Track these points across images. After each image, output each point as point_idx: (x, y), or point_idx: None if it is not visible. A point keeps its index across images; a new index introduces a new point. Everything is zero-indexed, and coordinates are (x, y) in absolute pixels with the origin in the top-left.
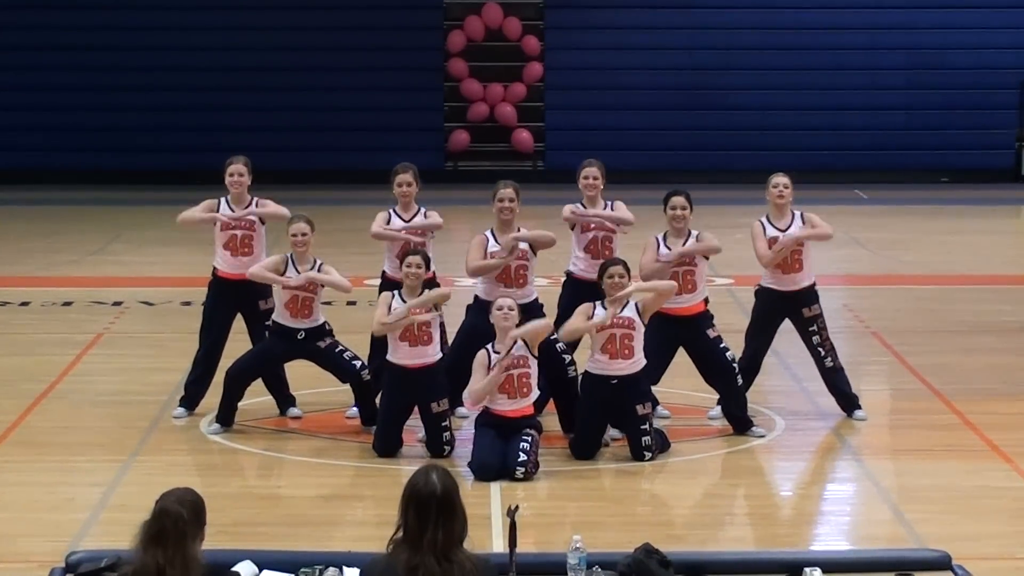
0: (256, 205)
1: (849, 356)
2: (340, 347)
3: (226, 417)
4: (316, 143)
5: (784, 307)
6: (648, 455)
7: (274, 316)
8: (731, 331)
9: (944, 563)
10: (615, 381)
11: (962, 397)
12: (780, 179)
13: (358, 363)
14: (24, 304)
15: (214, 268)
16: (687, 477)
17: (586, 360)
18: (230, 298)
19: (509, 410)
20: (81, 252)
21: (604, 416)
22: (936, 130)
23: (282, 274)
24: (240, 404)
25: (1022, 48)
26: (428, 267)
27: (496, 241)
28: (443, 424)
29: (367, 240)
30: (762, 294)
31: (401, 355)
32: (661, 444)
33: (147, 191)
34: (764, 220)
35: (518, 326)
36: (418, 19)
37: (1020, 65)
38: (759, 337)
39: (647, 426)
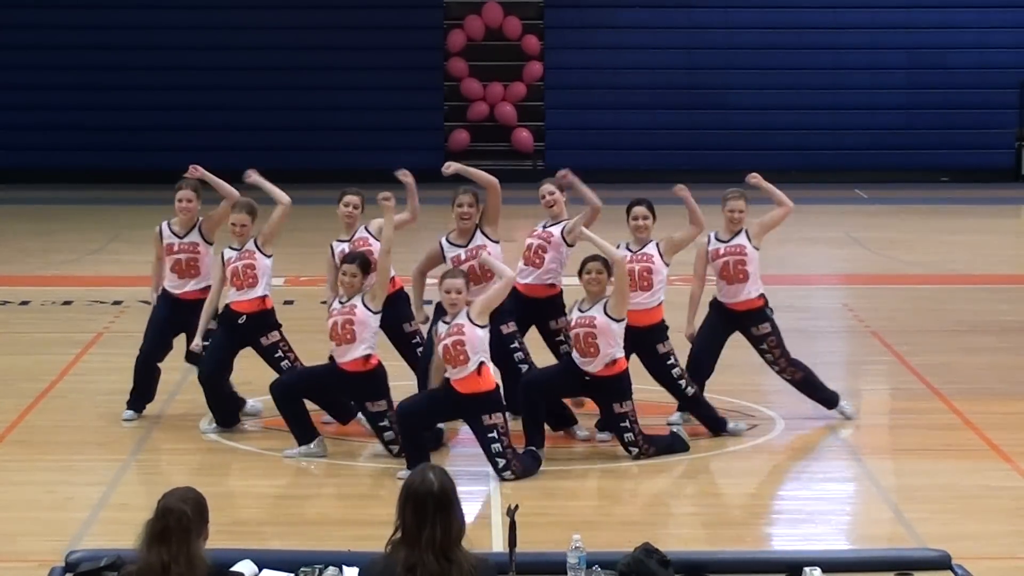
0: (200, 228)
1: (849, 356)
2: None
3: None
4: (316, 143)
5: (732, 322)
6: (634, 451)
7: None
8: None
9: (944, 563)
10: (588, 378)
11: (962, 397)
12: (736, 203)
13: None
14: (24, 304)
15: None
16: (687, 477)
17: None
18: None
19: (454, 379)
20: (81, 251)
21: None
22: (936, 130)
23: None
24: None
25: (1022, 48)
26: (366, 272)
27: (453, 245)
28: (381, 424)
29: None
30: (713, 305)
31: (336, 353)
32: (671, 444)
33: (147, 191)
34: (712, 235)
35: None
36: (418, 19)
37: (1020, 65)
38: (706, 344)
39: (627, 423)
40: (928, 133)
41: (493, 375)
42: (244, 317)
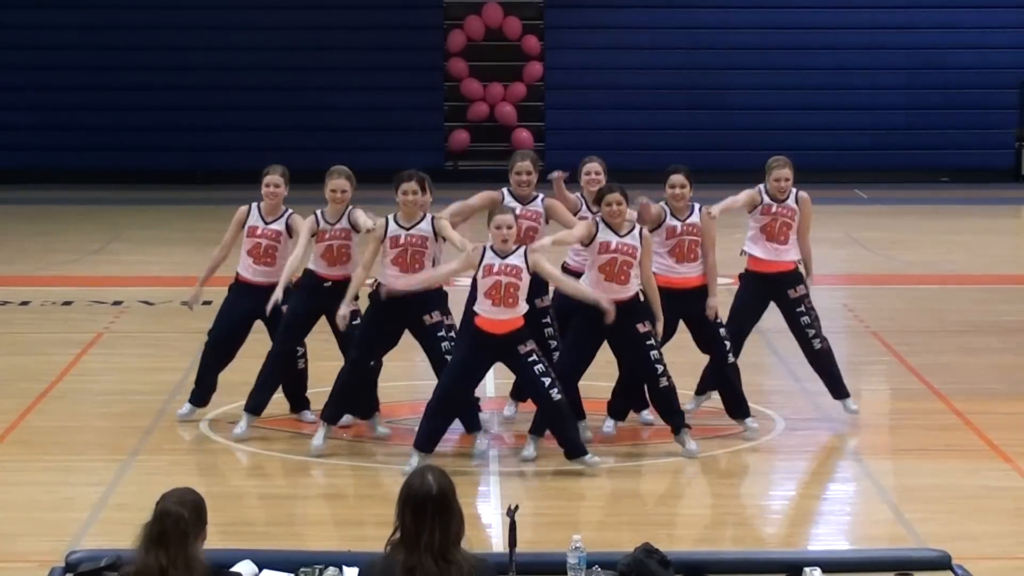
0: (288, 218)
1: (849, 356)
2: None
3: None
4: (316, 143)
5: (768, 289)
6: (660, 368)
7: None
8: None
9: (944, 563)
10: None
11: (962, 397)
12: (782, 171)
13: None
14: (24, 304)
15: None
16: (687, 477)
17: None
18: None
19: (495, 318)
20: (81, 252)
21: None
22: (936, 130)
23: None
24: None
25: (1022, 48)
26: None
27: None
28: (439, 335)
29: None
30: (745, 278)
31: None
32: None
33: (147, 191)
34: (764, 191)
35: None
36: (418, 19)
37: (1020, 65)
38: (744, 318)
39: (652, 341)
40: (928, 133)
41: None
42: (330, 282)
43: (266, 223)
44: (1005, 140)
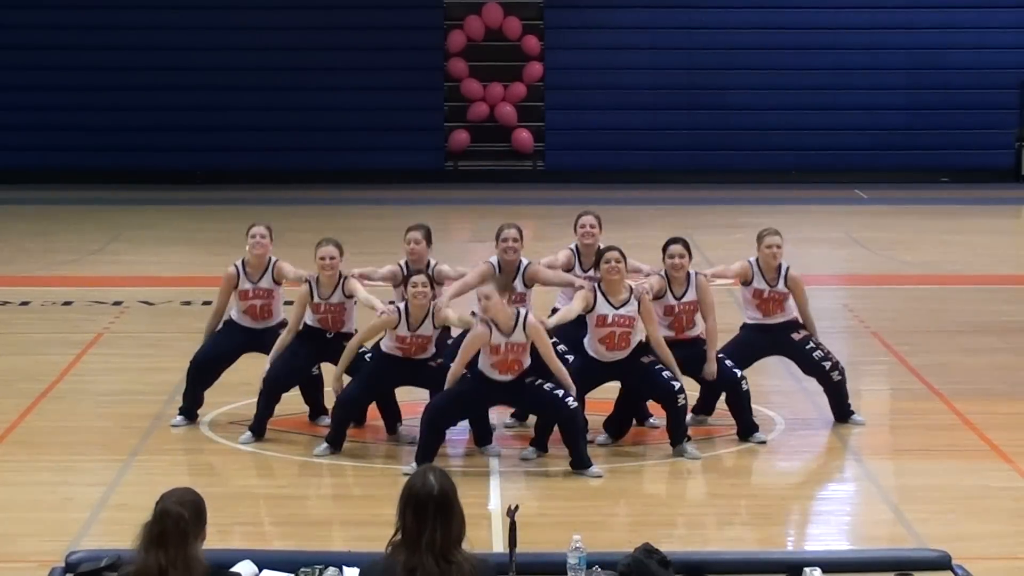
0: (273, 269)
1: (849, 356)
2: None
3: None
4: (316, 143)
5: (769, 338)
6: (676, 384)
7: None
8: (731, 331)
9: (944, 563)
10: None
11: (962, 397)
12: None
13: None
14: (24, 304)
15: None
16: (687, 477)
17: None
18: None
19: (503, 380)
20: (81, 252)
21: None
22: (936, 130)
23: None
24: (237, 405)
25: (1022, 48)
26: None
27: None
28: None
29: (365, 240)
30: (745, 328)
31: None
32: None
33: (147, 191)
34: (757, 270)
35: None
36: (418, 19)
37: (1020, 65)
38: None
39: (660, 366)
40: (928, 133)
41: None
42: (331, 333)
43: (254, 283)
44: (1005, 140)
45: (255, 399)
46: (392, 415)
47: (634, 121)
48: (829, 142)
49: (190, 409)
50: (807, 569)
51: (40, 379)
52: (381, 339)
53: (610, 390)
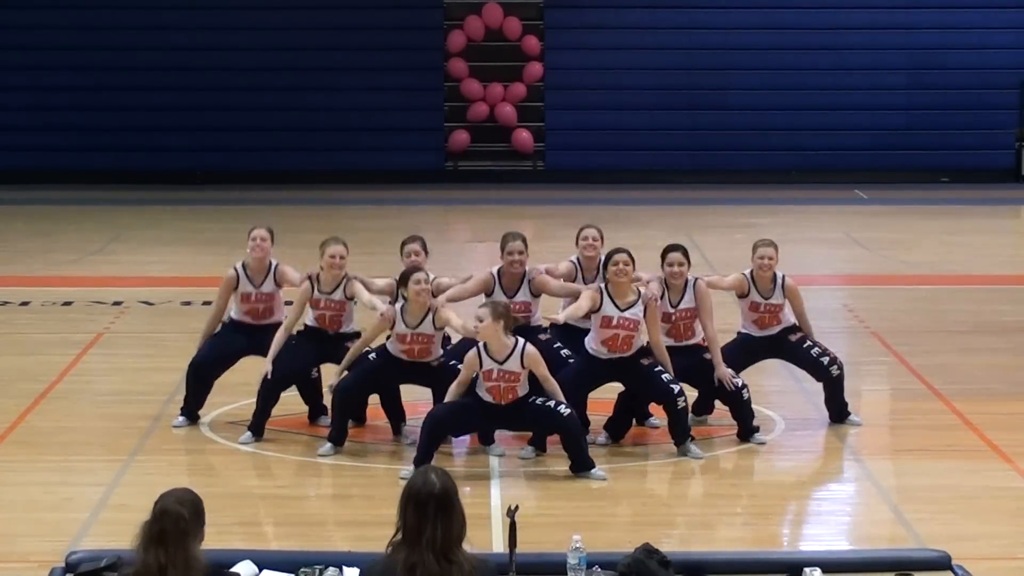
0: (275, 273)
1: (849, 356)
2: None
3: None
4: (316, 143)
5: (766, 343)
6: (676, 387)
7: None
8: (732, 331)
9: (944, 563)
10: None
11: (962, 397)
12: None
13: None
14: (24, 304)
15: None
16: (687, 477)
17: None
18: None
19: (503, 404)
20: (81, 252)
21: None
22: (936, 130)
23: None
24: (237, 405)
25: (1022, 48)
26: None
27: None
28: (447, 369)
29: (365, 240)
30: (742, 335)
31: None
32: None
33: (147, 191)
34: (751, 283)
35: None
36: (418, 19)
37: (1020, 65)
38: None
39: (659, 368)
40: (928, 134)
41: None
42: (332, 332)
43: (257, 287)
44: (1005, 140)
45: (255, 399)
46: (397, 416)
47: (634, 121)
48: (829, 142)
49: (192, 411)
50: (807, 569)
51: (40, 379)
52: (387, 343)
53: (610, 390)
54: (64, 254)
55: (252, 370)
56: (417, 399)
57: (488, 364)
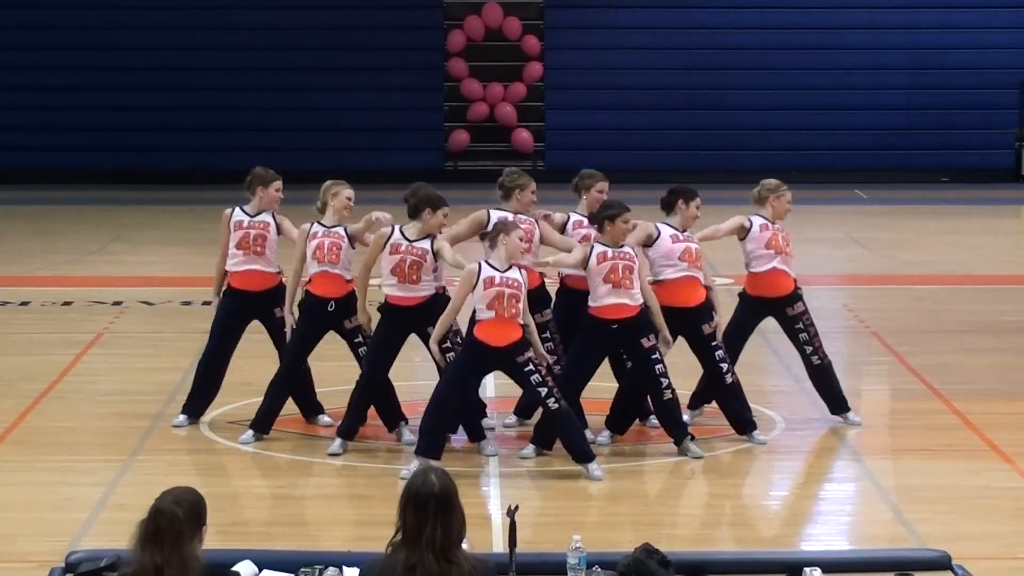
0: (275, 217)
1: (849, 356)
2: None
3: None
4: (316, 143)
5: (766, 308)
6: (665, 381)
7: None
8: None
9: (944, 563)
10: (615, 326)
11: (962, 397)
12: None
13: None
14: (24, 304)
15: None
16: (687, 477)
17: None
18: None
19: (494, 329)
20: (81, 252)
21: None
22: (936, 130)
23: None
24: (238, 405)
25: (1022, 48)
26: None
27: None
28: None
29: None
30: (743, 297)
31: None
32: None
33: (147, 191)
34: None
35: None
36: (418, 19)
37: (1020, 65)
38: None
39: (656, 355)
40: (928, 133)
41: None
42: (333, 304)
43: (252, 216)
44: (1005, 140)
45: (255, 399)
46: (391, 413)
47: (634, 121)
48: (830, 142)
49: (197, 408)
50: (807, 569)
51: (40, 379)
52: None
53: (610, 390)
54: (64, 254)
55: (252, 370)
56: (416, 399)
57: (489, 272)
